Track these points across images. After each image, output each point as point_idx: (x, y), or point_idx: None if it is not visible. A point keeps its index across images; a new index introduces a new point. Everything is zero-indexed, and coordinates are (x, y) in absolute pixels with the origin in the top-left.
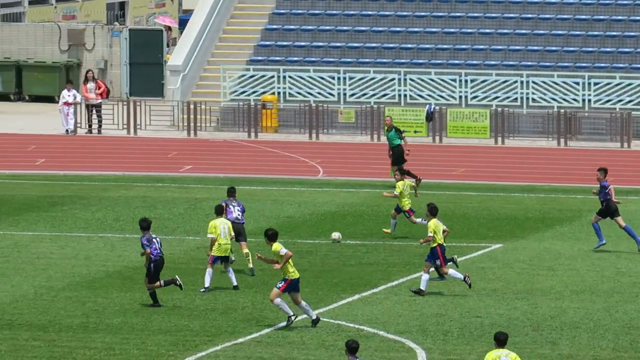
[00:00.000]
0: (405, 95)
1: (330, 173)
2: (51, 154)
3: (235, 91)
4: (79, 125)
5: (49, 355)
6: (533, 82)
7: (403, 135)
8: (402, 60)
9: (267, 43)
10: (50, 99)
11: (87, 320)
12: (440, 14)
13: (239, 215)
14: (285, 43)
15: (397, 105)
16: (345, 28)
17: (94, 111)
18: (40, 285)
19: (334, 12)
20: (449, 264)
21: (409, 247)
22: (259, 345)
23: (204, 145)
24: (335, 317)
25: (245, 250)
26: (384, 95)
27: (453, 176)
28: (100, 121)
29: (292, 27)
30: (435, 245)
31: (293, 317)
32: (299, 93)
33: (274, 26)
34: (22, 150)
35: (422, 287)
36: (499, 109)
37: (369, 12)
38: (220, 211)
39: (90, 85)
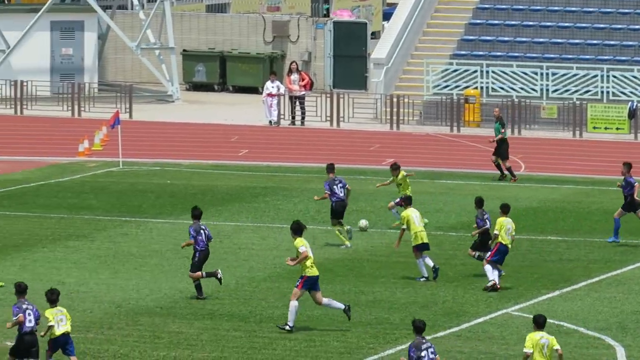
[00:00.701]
0: (607, 92)
1: (532, 169)
2: (254, 144)
3: (438, 85)
4: (282, 116)
5: (249, 346)
6: None
7: (503, 130)
8: (605, 57)
9: (471, 37)
10: (254, 90)
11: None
12: None
13: (341, 192)
14: (488, 38)
15: (600, 101)
16: (548, 24)
17: (298, 103)
18: (242, 275)
19: (538, 7)
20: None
21: (610, 244)
22: (459, 339)
23: (406, 139)
24: (536, 312)
25: (347, 227)
26: (587, 91)
27: None
28: (303, 113)
29: (495, 22)
30: (497, 241)
31: (289, 328)
32: (502, 88)
33: (478, 21)
34: (226, 141)
35: (490, 278)
36: None
37: (573, 9)
38: (409, 201)
39: (294, 76)
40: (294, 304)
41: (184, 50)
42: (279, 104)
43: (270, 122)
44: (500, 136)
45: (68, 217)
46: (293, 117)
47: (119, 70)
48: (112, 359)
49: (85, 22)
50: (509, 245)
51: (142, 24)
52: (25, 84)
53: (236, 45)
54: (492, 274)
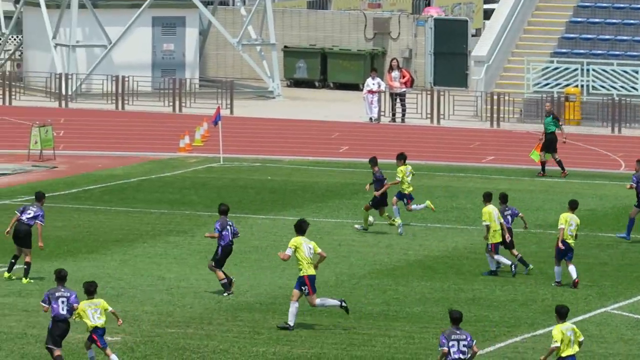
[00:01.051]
0: None
1: (632, 167)
2: (354, 141)
3: (539, 83)
4: (382, 113)
5: (348, 342)
6: None
7: (560, 123)
8: None
9: (572, 36)
10: (355, 87)
11: (388, 308)
12: None
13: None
14: (589, 36)
15: None
16: None
17: (398, 100)
18: (342, 272)
19: (639, 6)
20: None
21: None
22: None
23: (506, 137)
24: (635, 311)
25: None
26: None
27: None
28: (404, 110)
29: (596, 20)
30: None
31: (345, 305)
32: (602, 86)
33: (579, 19)
34: (326, 137)
35: (557, 279)
36: None
37: None
38: (489, 198)
39: (395, 74)
40: (318, 302)
41: (285, 47)
42: (379, 100)
43: (370, 119)
44: (559, 131)
45: (169, 213)
46: (393, 114)
47: (220, 66)
48: (212, 354)
49: (186, 18)
50: (571, 242)
51: (244, 20)
52: (126, 79)
53: (337, 42)
54: (559, 276)
